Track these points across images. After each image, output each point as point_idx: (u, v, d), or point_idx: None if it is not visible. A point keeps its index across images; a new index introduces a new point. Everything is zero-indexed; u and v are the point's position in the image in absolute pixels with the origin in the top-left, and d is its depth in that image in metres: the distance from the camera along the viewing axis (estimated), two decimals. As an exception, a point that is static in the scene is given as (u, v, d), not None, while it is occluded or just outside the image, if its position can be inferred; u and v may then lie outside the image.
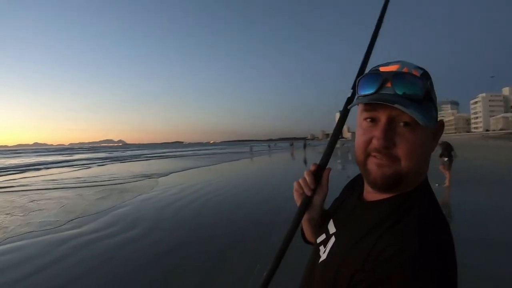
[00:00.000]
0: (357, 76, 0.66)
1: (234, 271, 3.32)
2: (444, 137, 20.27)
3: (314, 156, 25.32)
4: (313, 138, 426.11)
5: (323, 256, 0.64)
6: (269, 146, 41.07)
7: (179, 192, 8.70)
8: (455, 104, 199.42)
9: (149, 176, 13.10)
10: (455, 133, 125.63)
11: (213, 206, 6.72)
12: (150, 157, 33.43)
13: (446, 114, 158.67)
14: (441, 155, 7.84)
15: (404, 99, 0.54)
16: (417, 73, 0.57)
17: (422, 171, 0.58)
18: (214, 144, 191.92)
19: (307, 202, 0.70)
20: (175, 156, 33.19)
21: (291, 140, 61.77)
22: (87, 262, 3.74)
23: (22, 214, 6.67)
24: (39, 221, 5.95)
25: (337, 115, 0.85)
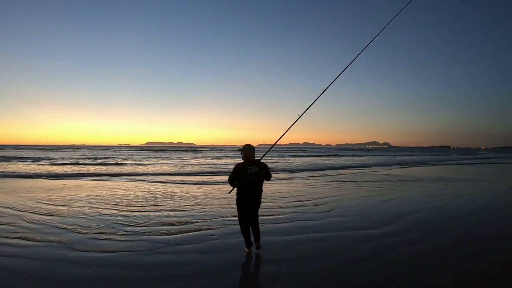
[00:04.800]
0: None
1: None
2: None
3: None
4: None
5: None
6: None
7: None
8: None
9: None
10: None
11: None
12: (446, 162, 30.88)
13: None
14: None
15: None
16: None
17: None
18: (485, 150, 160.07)
19: None
20: (478, 163, 29.73)
21: None
22: (394, 264, 3.72)
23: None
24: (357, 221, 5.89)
25: None
